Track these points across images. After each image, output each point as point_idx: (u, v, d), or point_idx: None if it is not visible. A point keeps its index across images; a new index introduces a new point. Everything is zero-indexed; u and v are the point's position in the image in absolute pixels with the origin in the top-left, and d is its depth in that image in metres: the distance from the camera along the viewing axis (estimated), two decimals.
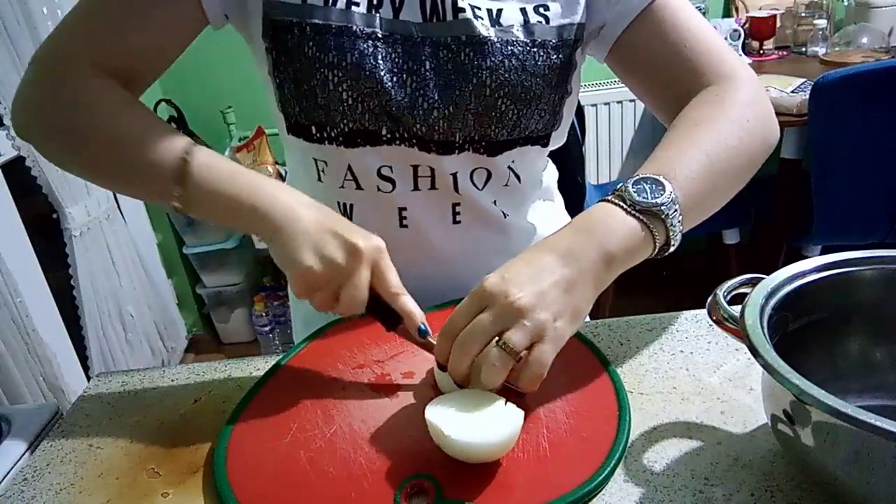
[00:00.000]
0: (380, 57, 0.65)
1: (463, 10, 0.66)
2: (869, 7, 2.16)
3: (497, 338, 0.52)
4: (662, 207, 0.55)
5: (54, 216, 1.82)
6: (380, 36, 0.65)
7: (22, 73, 0.66)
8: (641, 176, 0.57)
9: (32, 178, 1.72)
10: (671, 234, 0.56)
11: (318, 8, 0.65)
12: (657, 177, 0.57)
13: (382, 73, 0.65)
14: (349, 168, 0.71)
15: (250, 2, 0.67)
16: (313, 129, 0.70)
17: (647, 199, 0.55)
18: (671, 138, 0.62)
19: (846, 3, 2.30)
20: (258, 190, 0.59)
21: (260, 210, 0.59)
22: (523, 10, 0.68)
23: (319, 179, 0.74)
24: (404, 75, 0.66)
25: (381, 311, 0.61)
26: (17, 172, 1.68)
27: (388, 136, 0.69)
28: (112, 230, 2.02)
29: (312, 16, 0.64)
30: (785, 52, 2.33)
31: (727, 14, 2.41)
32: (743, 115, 0.63)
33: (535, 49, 0.67)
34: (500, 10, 0.67)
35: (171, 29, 0.67)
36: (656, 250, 0.57)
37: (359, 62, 0.65)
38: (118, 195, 2.12)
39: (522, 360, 0.52)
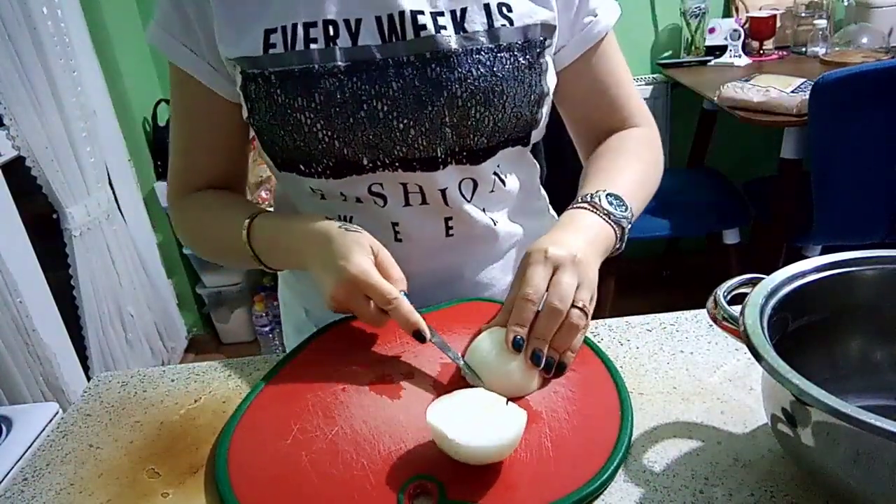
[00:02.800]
0: (346, 90, 0.65)
1: (424, 26, 0.65)
2: (869, 7, 2.16)
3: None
4: (626, 219, 0.69)
5: (54, 216, 1.82)
6: (342, 69, 0.65)
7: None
8: (610, 191, 0.69)
9: (32, 178, 1.72)
10: (624, 239, 0.69)
11: (279, 55, 0.66)
12: (620, 195, 0.69)
13: (352, 106, 0.66)
14: (341, 194, 0.72)
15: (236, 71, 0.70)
16: (301, 166, 0.71)
17: (617, 212, 0.68)
18: (616, 164, 0.75)
19: (846, 3, 2.30)
20: (289, 248, 0.68)
21: (295, 263, 0.70)
22: (486, 7, 0.67)
23: (323, 198, 0.74)
24: (374, 101, 0.66)
25: None
26: (17, 172, 1.68)
27: (371, 164, 0.69)
28: (112, 230, 2.02)
29: (274, 64, 0.66)
30: (785, 52, 2.33)
31: (727, 14, 2.41)
32: (657, 157, 0.80)
33: (502, 53, 0.67)
34: (463, 10, 0.67)
35: (226, 133, 0.76)
36: (613, 253, 0.69)
37: (326, 100, 0.65)
38: (118, 195, 2.12)
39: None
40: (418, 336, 0.61)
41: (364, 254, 0.62)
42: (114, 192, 2.08)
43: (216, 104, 0.73)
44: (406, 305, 0.61)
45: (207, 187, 0.79)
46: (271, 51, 0.66)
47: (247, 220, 0.70)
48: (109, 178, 2.06)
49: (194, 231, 0.80)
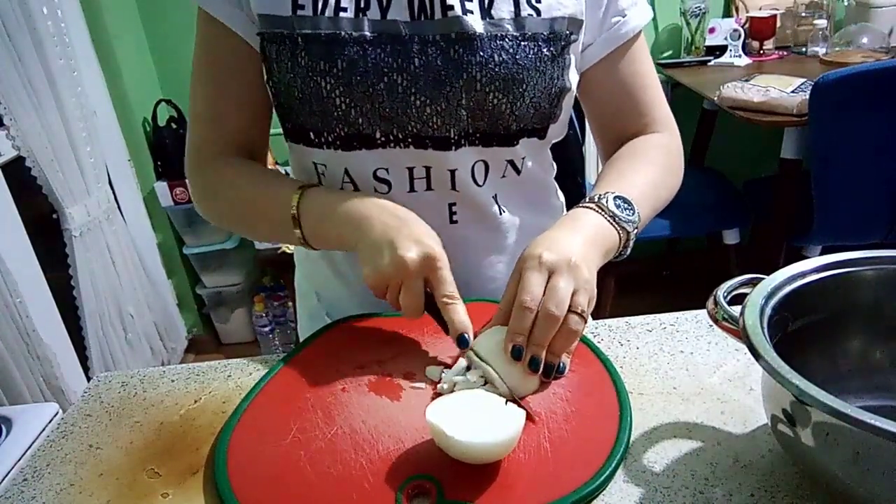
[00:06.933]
0: (369, 60, 0.66)
1: (451, 7, 0.66)
2: (869, 7, 2.16)
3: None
4: (632, 224, 0.67)
5: (54, 216, 1.82)
6: (368, 38, 0.66)
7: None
8: (618, 194, 0.68)
9: (32, 178, 1.72)
10: (630, 244, 0.68)
11: (308, 18, 0.66)
12: (629, 199, 0.68)
13: (373, 77, 0.66)
14: (346, 171, 0.73)
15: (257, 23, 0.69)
16: (311, 134, 0.71)
17: (623, 215, 0.67)
18: (631, 168, 0.74)
19: (846, 3, 2.30)
20: (349, 216, 0.66)
21: (348, 233, 0.66)
22: (516, 1, 0.68)
23: (320, 182, 0.75)
24: (394, 75, 0.67)
25: (440, 315, 0.63)
26: (17, 172, 1.68)
27: (383, 138, 0.70)
28: (112, 230, 2.02)
29: (302, 27, 0.66)
30: (785, 52, 2.33)
31: (727, 14, 2.41)
32: (676, 164, 0.79)
33: (526, 42, 0.68)
34: (491, 1, 0.67)
35: (255, 92, 0.73)
36: (616, 256, 0.68)
37: (349, 68, 0.66)
38: (118, 195, 2.12)
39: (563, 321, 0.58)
40: (462, 340, 0.61)
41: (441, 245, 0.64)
42: (114, 192, 2.08)
43: (251, 59, 0.71)
44: (464, 307, 0.62)
45: (231, 154, 0.76)
46: (299, 12, 0.66)
47: (298, 190, 0.69)
48: (109, 178, 2.06)
49: (220, 195, 0.76)
